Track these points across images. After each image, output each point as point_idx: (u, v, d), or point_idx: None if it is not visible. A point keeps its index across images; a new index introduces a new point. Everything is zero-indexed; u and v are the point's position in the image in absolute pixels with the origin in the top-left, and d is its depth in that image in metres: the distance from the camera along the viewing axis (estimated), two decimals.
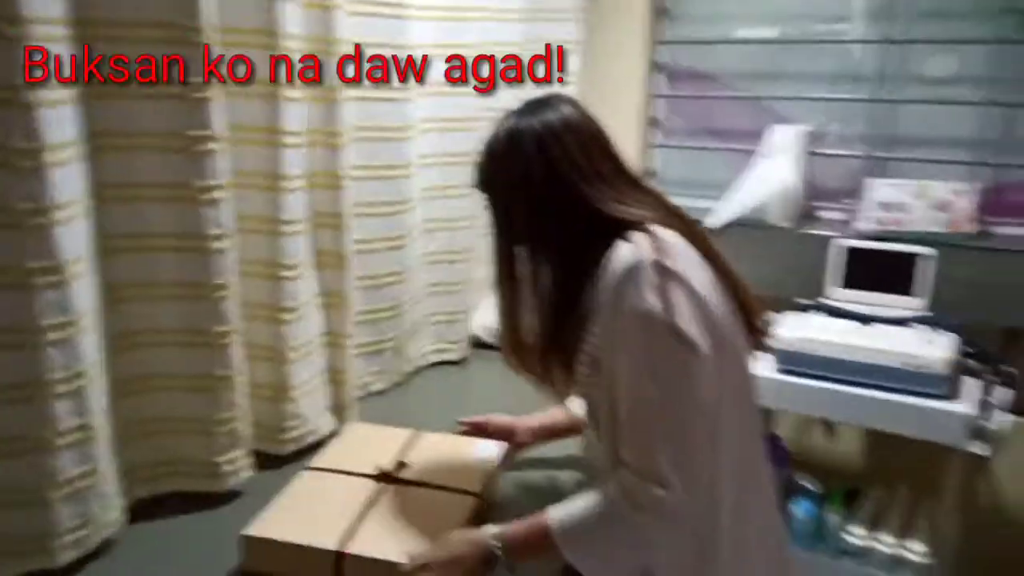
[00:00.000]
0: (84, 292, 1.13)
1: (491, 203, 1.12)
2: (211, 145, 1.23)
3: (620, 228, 1.01)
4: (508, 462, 1.36)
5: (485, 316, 2.02)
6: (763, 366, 1.66)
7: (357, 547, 1.13)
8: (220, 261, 1.27)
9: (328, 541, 1.13)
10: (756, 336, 1.08)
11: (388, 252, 1.72)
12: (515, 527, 1.05)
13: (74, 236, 1.11)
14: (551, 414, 1.36)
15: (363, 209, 1.65)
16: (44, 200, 1.05)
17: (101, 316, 1.20)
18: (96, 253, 1.19)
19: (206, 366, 1.30)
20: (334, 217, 1.52)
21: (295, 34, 1.37)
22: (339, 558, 1.12)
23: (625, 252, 0.98)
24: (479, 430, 1.39)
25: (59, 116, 1.07)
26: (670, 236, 1.00)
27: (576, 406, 1.29)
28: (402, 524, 1.18)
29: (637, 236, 0.99)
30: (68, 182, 1.09)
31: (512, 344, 1.11)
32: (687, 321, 0.94)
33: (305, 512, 1.21)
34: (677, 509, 0.95)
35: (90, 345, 1.15)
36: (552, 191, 1.04)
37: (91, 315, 1.16)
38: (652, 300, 0.94)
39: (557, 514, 1.02)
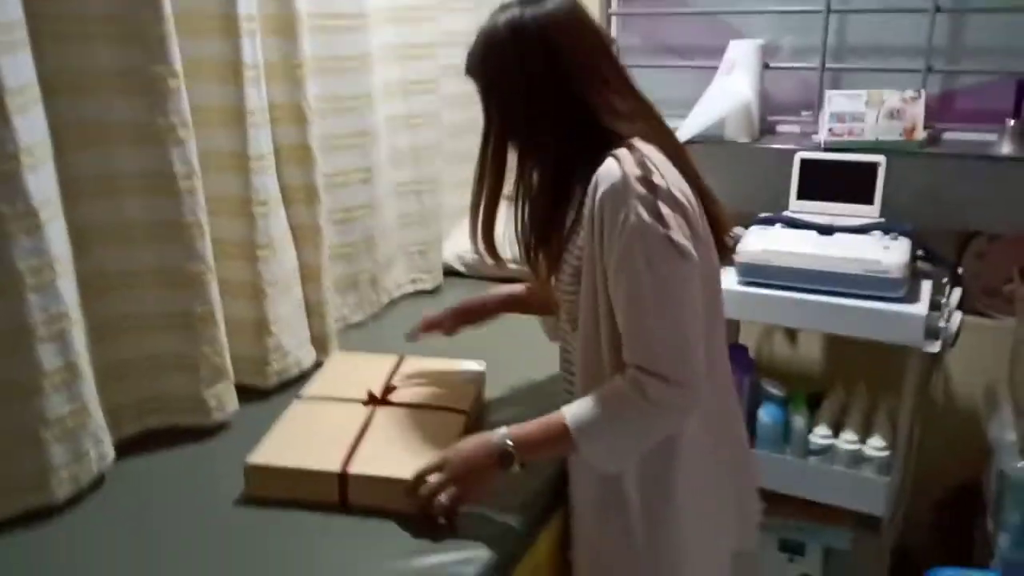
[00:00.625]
0: (57, 236, 1.14)
1: (484, 94, 1.12)
2: (171, 82, 1.22)
3: (611, 140, 1.04)
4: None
5: (456, 245, 2.05)
6: (726, 279, 1.72)
7: (359, 467, 1.17)
8: (190, 200, 1.28)
9: (331, 464, 1.17)
10: (724, 252, 1.13)
11: (357, 185, 1.73)
12: (526, 426, 1.08)
13: (42, 180, 1.10)
14: (515, 287, 1.43)
15: (330, 142, 1.64)
16: (10, 146, 1.04)
17: (73, 260, 1.20)
18: (64, 197, 1.18)
19: (185, 304, 1.32)
20: (301, 150, 1.52)
21: None
22: (343, 479, 1.16)
23: (612, 168, 1.01)
24: (436, 326, 1.43)
25: (16, 61, 1.05)
26: (654, 153, 1.03)
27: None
28: (398, 444, 1.23)
29: (623, 153, 1.01)
30: (31, 127, 1.08)
31: (487, 241, 1.15)
32: (677, 232, 0.99)
33: (303, 439, 1.25)
34: (683, 401, 1.02)
35: (68, 288, 1.16)
36: (552, 88, 1.05)
37: (65, 259, 1.16)
38: (645, 216, 0.98)
39: (571, 410, 1.05)
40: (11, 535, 1.13)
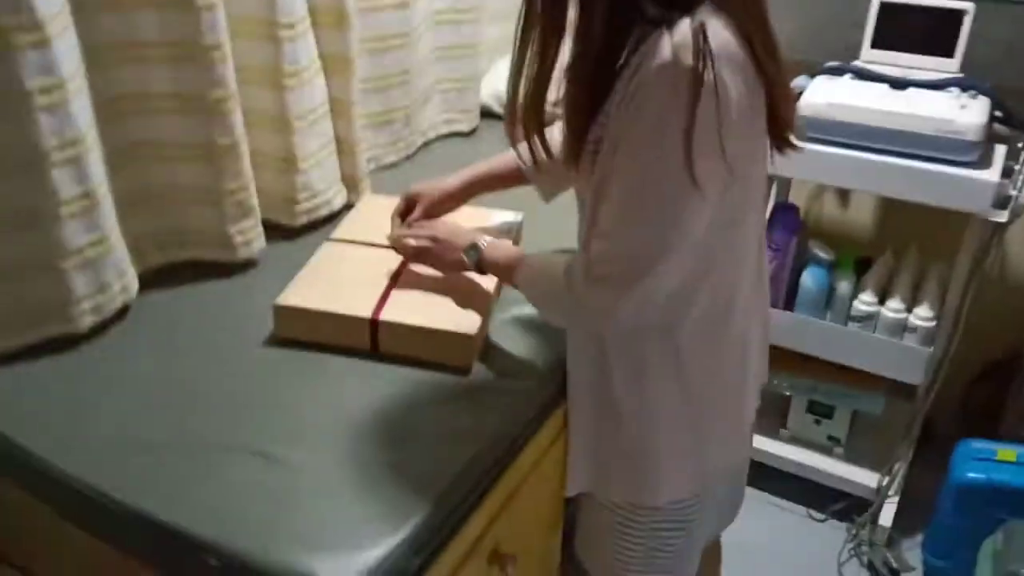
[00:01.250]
0: (67, 52, 1.04)
1: None
2: None
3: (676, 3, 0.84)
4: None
5: (494, 84, 1.92)
6: None
7: (391, 314, 1.13)
8: (210, 17, 1.16)
9: (362, 309, 1.14)
10: (782, 146, 0.96)
11: (391, 11, 1.58)
12: (500, 245, 1.13)
13: None
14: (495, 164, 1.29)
15: None
16: None
17: (86, 80, 1.11)
18: (74, 11, 1.08)
19: (206, 134, 1.23)
20: None
21: None
22: (374, 325, 1.13)
23: (665, 49, 0.82)
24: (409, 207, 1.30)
25: None
26: (722, 33, 0.83)
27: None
28: (431, 293, 1.19)
29: (683, 30, 0.82)
30: None
31: (535, 115, 0.94)
32: (704, 154, 0.84)
33: (334, 282, 1.20)
34: (604, 315, 0.94)
35: (82, 110, 1.08)
36: None
37: (78, 78, 1.07)
38: (675, 116, 0.82)
39: (533, 258, 1.08)
40: (35, 362, 1.12)
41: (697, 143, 0.83)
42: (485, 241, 1.14)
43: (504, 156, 1.26)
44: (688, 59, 0.81)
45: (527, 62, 0.91)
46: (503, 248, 1.13)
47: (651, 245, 0.89)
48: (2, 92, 0.99)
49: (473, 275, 1.19)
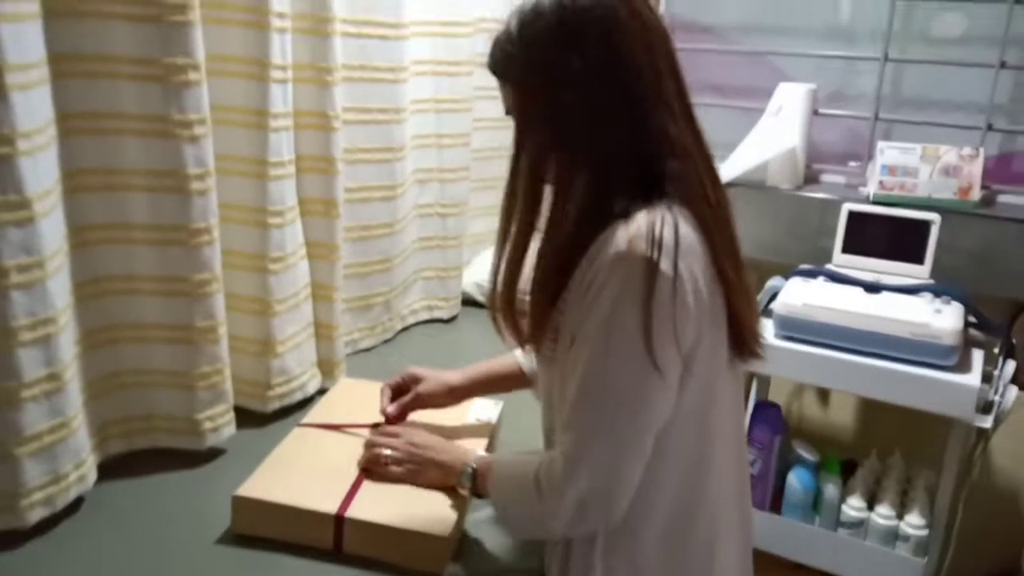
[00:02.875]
0: (52, 232, 1.04)
1: (522, 98, 0.92)
2: (192, 75, 1.13)
3: (653, 182, 0.86)
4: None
5: (476, 273, 1.95)
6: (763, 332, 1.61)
7: (359, 511, 1.06)
8: (201, 202, 1.18)
9: (327, 504, 1.06)
10: (745, 354, 0.95)
11: (379, 203, 1.63)
12: (495, 466, 1.03)
13: (41, 168, 1.01)
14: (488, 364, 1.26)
15: (355, 156, 1.55)
16: (6, 127, 0.95)
17: (69, 259, 1.10)
18: (63, 191, 1.08)
19: (185, 316, 1.21)
20: (324, 161, 1.42)
21: None
22: (339, 522, 1.05)
23: (620, 239, 0.83)
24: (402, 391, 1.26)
25: (20, 32, 0.96)
26: (682, 226, 0.84)
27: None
28: (405, 487, 1.12)
29: (639, 221, 0.83)
30: (34, 108, 0.99)
31: (507, 296, 0.95)
32: (660, 342, 0.83)
33: (300, 472, 1.13)
34: (582, 513, 0.89)
35: (59, 289, 1.05)
36: (604, 90, 0.86)
37: (60, 256, 1.06)
38: (630, 305, 0.83)
39: (502, 463, 1.02)
40: None
41: (654, 329, 0.82)
42: (474, 467, 1.06)
43: (505, 357, 1.24)
44: (641, 248, 0.82)
45: (505, 250, 0.93)
46: (495, 469, 1.04)
47: (611, 433, 0.86)
48: None
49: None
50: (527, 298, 0.94)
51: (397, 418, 1.23)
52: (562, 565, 0.98)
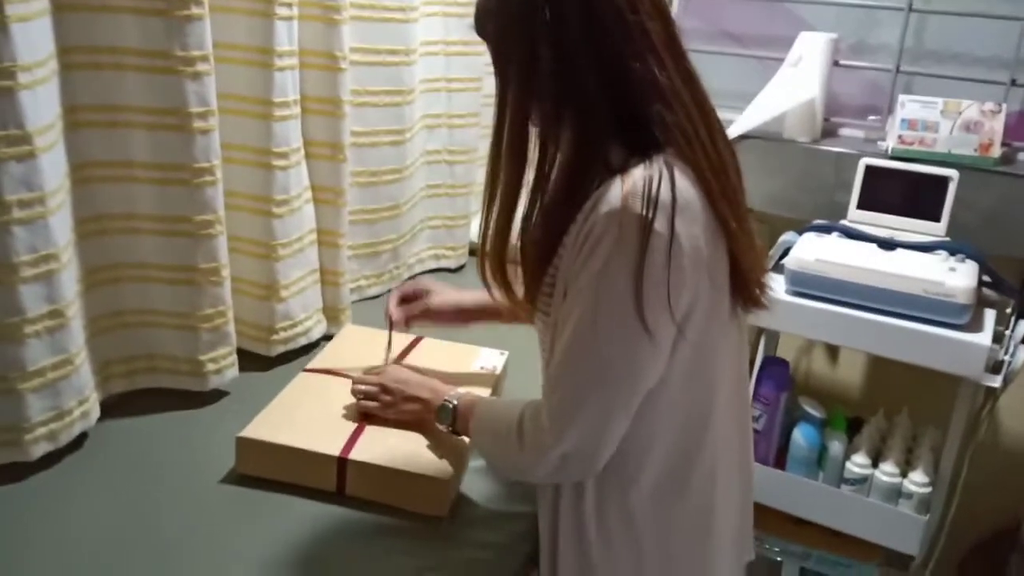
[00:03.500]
0: (53, 166, 1.02)
1: (499, 51, 0.90)
2: (194, 10, 1.10)
3: (639, 143, 0.84)
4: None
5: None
6: (774, 287, 1.59)
7: (361, 453, 1.06)
8: (203, 141, 1.16)
9: (330, 446, 1.06)
10: (746, 302, 0.93)
11: (387, 147, 1.60)
12: (475, 405, 1.03)
13: (41, 102, 0.99)
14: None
15: (362, 98, 1.52)
16: (7, 60, 0.93)
17: (70, 196, 1.09)
18: (64, 126, 1.07)
19: (188, 257, 1.20)
20: (330, 103, 1.40)
21: None
22: (342, 464, 1.05)
23: (615, 196, 0.81)
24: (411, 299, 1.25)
25: None
26: (679, 180, 0.82)
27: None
28: (407, 432, 1.12)
29: (635, 177, 0.81)
30: (34, 41, 0.97)
31: (497, 255, 0.92)
32: (652, 306, 0.81)
33: (304, 415, 1.14)
34: (563, 467, 0.88)
35: (61, 225, 1.04)
36: (584, 43, 0.83)
37: (62, 193, 1.05)
38: (622, 264, 0.80)
39: (485, 404, 1.02)
40: None
41: (646, 292, 0.81)
42: (453, 398, 1.06)
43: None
44: (637, 207, 0.80)
45: (494, 207, 0.91)
46: (473, 407, 1.03)
47: (599, 393, 0.85)
48: None
49: None
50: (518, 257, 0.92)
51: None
52: (551, 513, 0.97)
